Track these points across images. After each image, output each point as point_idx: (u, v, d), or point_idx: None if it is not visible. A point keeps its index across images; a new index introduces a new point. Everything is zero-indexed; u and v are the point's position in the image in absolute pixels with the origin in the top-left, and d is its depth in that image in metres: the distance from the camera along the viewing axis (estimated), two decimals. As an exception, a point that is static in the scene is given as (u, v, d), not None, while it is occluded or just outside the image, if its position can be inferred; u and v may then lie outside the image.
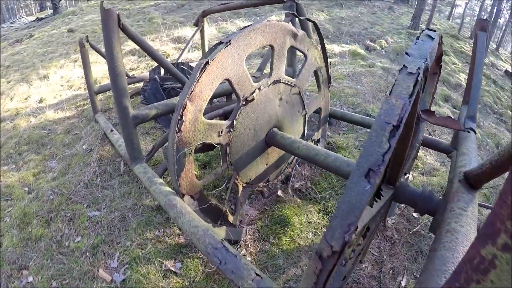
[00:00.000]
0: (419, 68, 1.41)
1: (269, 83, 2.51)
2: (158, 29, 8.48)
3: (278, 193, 3.16)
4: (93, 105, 4.45)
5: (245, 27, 2.16)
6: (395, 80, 1.39)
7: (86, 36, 4.39)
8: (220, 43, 2.03)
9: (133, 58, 7.08)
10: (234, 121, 2.29)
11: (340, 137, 4.34)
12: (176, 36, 7.68)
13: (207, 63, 1.89)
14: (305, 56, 2.88)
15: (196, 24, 5.31)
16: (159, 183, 2.18)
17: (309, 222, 2.92)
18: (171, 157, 1.92)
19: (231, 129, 2.29)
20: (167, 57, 6.79)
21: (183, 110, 1.86)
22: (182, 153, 1.98)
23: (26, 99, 5.63)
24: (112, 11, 2.28)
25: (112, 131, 3.49)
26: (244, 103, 2.32)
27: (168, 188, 2.12)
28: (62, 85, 6.12)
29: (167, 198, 1.98)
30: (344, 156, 3.91)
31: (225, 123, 2.24)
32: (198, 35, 5.32)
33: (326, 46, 7.90)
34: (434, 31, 1.89)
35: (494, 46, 14.26)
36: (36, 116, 4.83)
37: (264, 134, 2.65)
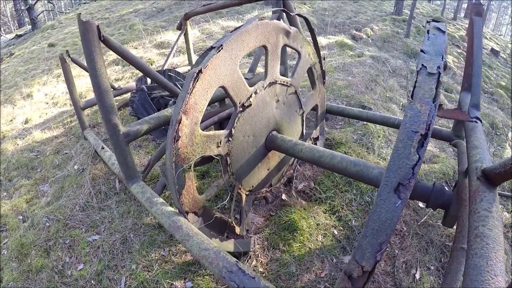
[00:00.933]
0: (438, 67, 1.32)
1: (265, 86, 2.41)
2: (140, 36, 8.28)
3: (282, 197, 3.06)
4: (80, 121, 4.28)
5: (236, 29, 2.05)
6: (415, 81, 1.30)
7: (67, 51, 4.22)
8: (212, 48, 1.91)
9: (117, 68, 6.89)
10: (233, 129, 2.19)
11: (337, 132, 4.26)
12: (159, 41, 7.49)
13: (200, 71, 1.77)
14: (299, 53, 2.78)
15: (179, 28, 5.18)
16: (159, 203, 2.06)
17: (317, 224, 2.83)
18: (171, 176, 1.81)
19: (230, 138, 2.19)
20: (152, 64, 6.63)
21: (179, 125, 1.75)
22: (181, 170, 1.86)
23: (11, 120, 5.44)
24: (91, 23, 2.13)
25: (103, 148, 3.34)
26: (241, 109, 2.21)
27: (170, 208, 2.00)
28: (47, 103, 5.92)
29: (171, 219, 1.87)
30: (344, 151, 3.85)
31: (223, 132, 2.13)
32: (182, 39, 5.19)
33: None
34: (438, 21, 1.81)
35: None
36: (23, 138, 4.65)
37: (263, 138, 2.55)
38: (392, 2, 13.31)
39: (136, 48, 7.65)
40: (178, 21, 5.07)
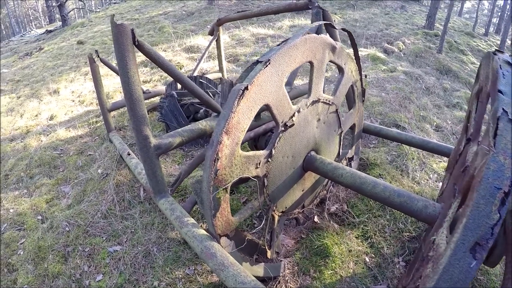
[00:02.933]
0: (520, 111, 1.18)
1: (308, 104, 2.24)
2: (169, 38, 8.27)
3: (314, 219, 2.89)
4: (106, 123, 4.22)
5: (283, 42, 1.90)
6: (497, 128, 1.18)
7: (96, 51, 4.17)
8: (258, 62, 1.77)
9: (145, 70, 6.86)
10: (273, 149, 2.03)
11: (371, 151, 4.06)
12: (189, 45, 7.44)
13: (246, 88, 1.62)
14: (342, 70, 2.61)
15: (211, 33, 5.09)
16: (191, 224, 1.90)
17: (349, 251, 2.65)
18: (207, 200, 1.66)
19: (269, 159, 2.03)
20: (181, 68, 6.56)
21: (220, 146, 1.59)
22: (217, 192, 1.71)
23: (36, 116, 5.44)
24: (125, 27, 1.97)
25: (129, 154, 3.23)
26: (283, 129, 2.05)
27: (202, 231, 1.85)
28: (73, 101, 5.92)
29: (204, 245, 1.71)
30: (379, 173, 3.65)
31: (263, 153, 1.97)
32: (213, 45, 5.09)
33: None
34: (502, 52, 1.63)
35: (509, 42, 13.84)
36: (47, 135, 4.61)
37: (301, 159, 2.38)
38: (423, 15, 12.99)
39: (165, 51, 7.62)
40: (210, 26, 4.99)
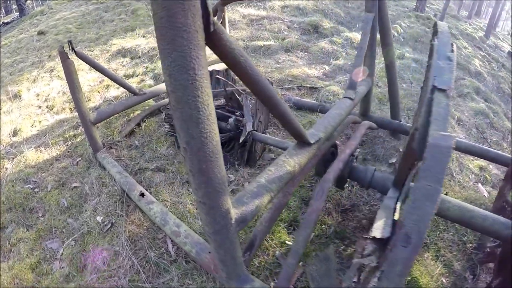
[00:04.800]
0: None
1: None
2: (146, 22, 7.13)
3: (391, 248, 2.34)
4: (91, 141, 3.24)
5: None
6: None
7: (70, 42, 3.06)
8: (435, 89, 1.28)
9: (125, 61, 5.77)
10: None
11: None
12: (172, 31, 6.40)
13: None
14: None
15: (213, 14, 4.20)
16: None
17: (431, 277, 2.33)
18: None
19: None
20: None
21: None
22: None
23: (-5, 130, 4.30)
24: None
25: (143, 195, 2.37)
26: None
27: None
28: (40, 107, 4.78)
29: None
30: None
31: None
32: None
33: (346, 34, 6.96)
34: None
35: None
36: (12, 159, 3.54)
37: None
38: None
39: (144, 36, 6.53)
40: (214, 6, 4.11)
